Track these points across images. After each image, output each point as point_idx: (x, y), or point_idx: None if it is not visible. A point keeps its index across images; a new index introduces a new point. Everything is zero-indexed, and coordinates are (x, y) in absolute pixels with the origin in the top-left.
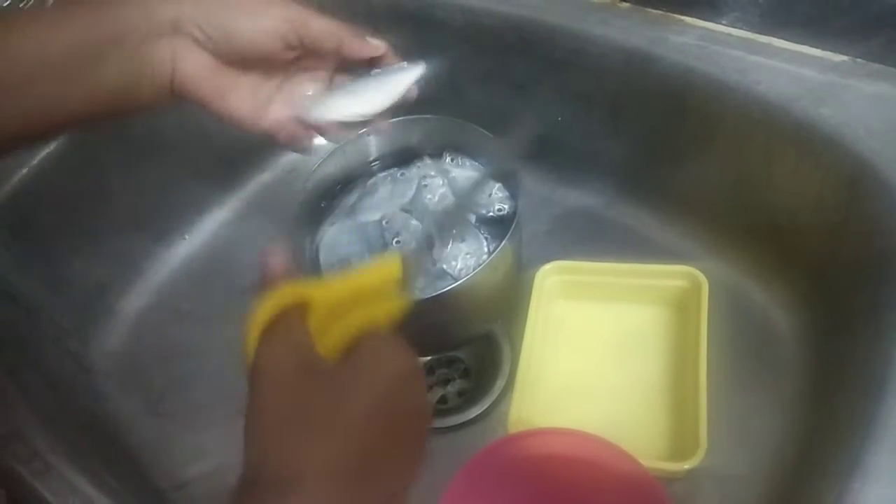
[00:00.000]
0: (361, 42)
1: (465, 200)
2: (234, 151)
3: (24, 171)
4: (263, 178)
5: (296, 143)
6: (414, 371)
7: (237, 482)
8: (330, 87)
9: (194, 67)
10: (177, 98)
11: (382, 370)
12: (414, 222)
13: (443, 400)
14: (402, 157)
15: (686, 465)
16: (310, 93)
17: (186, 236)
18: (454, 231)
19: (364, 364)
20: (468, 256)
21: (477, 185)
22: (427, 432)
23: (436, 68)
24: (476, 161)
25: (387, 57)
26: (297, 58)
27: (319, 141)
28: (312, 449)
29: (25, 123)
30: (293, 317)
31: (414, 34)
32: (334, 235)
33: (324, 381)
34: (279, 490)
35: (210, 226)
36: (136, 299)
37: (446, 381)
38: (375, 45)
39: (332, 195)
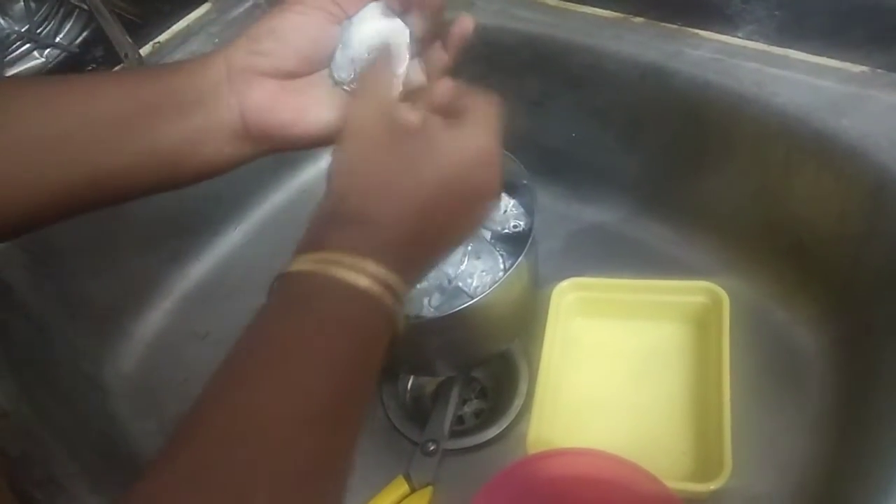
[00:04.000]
0: None
1: None
2: (248, 171)
3: None
4: (277, 198)
5: None
6: (492, 155)
7: (316, 211)
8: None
9: (262, 96)
10: (256, 140)
11: (465, 145)
12: None
13: (459, 420)
14: None
15: (711, 486)
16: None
17: (201, 258)
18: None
19: (450, 140)
20: (484, 274)
21: None
22: (489, 209)
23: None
24: None
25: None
26: None
27: None
28: (389, 199)
29: (70, 185)
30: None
31: None
32: None
33: (409, 145)
34: (357, 220)
35: (225, 247)
36: (151, 321)
37: (463, 402)
38: None
39: None
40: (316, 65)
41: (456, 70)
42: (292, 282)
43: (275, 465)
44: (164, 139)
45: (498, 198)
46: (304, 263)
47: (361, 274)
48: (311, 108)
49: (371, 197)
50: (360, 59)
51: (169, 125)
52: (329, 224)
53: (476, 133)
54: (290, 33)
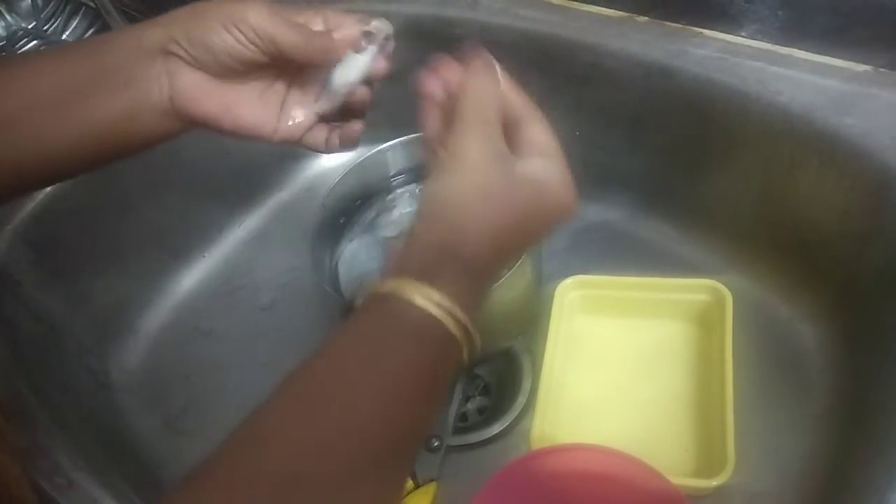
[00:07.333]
0: (326, 49)
1: None
2: (253, 169)
3: (48, 189)
4: (282, 195)
5: (323, 148)
6: (571, 199)
7: (422, 232)
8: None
9: (190, 86)
10: (184, 121)
11: (552, 189)
12: None
13: (463, 417)
14: (421, 173)
15: (714, 482)
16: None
17: (206, 255)
18: None
19: (542, 173)
20: None
21: None
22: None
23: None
24: None
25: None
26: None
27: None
28: (485, 239)
29: (19, 163)
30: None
31: (433, 52)
32: (354, 251)
33: (513, 190)
34: (451, 258)
35: (229, 244)
36: (156, 317)
37: (466, 399)
38: (340, 39)
39: (351, 211)
40: (249, 78)
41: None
42: (384, 303)
43: (351, 486)
44: (101, 116)
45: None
46: (411, 293)
47: (452, 319)
48: (237, 106)
49: (485, 244)
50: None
51: (105, 103)
52: (430, 250)
53: (558, 173)
54: (221, 53)
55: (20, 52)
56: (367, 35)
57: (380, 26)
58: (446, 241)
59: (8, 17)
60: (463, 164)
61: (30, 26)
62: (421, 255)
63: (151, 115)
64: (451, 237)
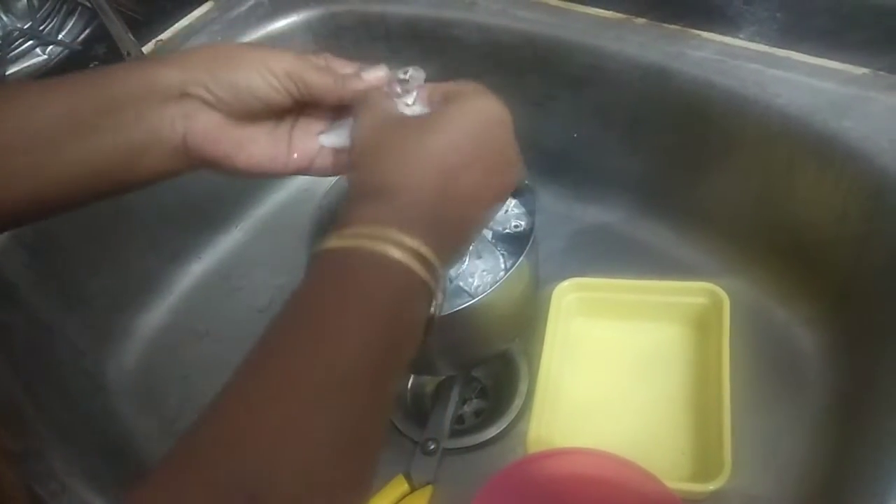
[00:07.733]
0: (356, 88)
1: None
2: None
3: None
4: (278, 197)
5: (330, 171)
6: (503, 114)
7: (345, 202)
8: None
9: (207, 126)
10: (193, 161)
11: (471, 111)
12: None
13: (460, 420)
14: None
15: (711, 486)
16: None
17: (202, 256)
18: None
19: (454, 106)
20: (485, 273)
21: None
22: (514, 173)
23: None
24: None
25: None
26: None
27: None
28: (405, 168)
29: (11, 197)
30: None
31: (431, 53)
32: None
33: (415, 121)
34: (380, 193)
35: (226, 245)
36: (151, 319)
37: (463, 401)
38: (370, 80)
39: None
40: (262, 118)
41: (460, 70)
42: (323, 258)
43: (306, 426)
44: (104, 152)
45: (519, 160)
46: (334, 240)
47: (387, 243)
48: (248, 144)
49: (390, 169)
50: None
51: (108, 139)
52: (355, 202)
53: (478, 100)
54: (248, 94)
55: (16, 51)
56: (403, 83)
57: (415, 74)
58: (354, 186)
59: (4, 18)
60: (358, 134)
61: (25, 26)
62: (353, 201)
63: (160, 154)
64: (357, 181)
